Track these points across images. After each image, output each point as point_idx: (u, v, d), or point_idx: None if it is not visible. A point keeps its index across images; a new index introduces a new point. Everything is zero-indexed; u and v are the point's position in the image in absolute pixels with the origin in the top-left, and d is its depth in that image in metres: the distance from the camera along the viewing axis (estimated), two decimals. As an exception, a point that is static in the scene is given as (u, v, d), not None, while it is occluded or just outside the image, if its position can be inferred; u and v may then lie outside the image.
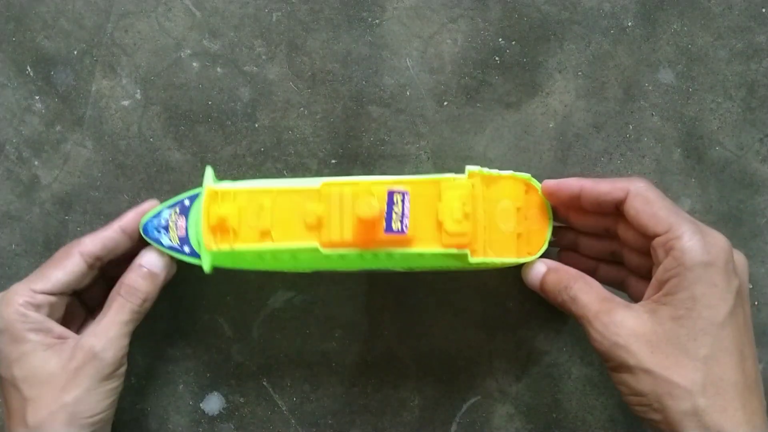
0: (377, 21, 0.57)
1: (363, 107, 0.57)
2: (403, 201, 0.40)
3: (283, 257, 0.44)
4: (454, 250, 0.41)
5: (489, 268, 0.48)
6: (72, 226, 0.58)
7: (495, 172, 0.44)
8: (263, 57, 0.57)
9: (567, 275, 0.42)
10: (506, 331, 0.58)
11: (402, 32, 0.57)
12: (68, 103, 0.58)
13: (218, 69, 0.57)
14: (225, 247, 0.43)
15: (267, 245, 0.43)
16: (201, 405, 0.58)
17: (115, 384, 0.44)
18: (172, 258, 0.47)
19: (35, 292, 0.43)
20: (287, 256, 0.44)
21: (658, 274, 0.39)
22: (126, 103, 0.58)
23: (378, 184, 0.42)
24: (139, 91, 0.57)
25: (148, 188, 0.57)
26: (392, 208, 0.40)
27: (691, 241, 0.37)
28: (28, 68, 0.58)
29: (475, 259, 0.42)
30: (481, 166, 0.45)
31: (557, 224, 0.49)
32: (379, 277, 0.58)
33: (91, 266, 0.45)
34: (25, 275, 0.47)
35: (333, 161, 0.57)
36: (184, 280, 0.57)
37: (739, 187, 0.57)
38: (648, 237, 0.40)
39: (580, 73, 0.57)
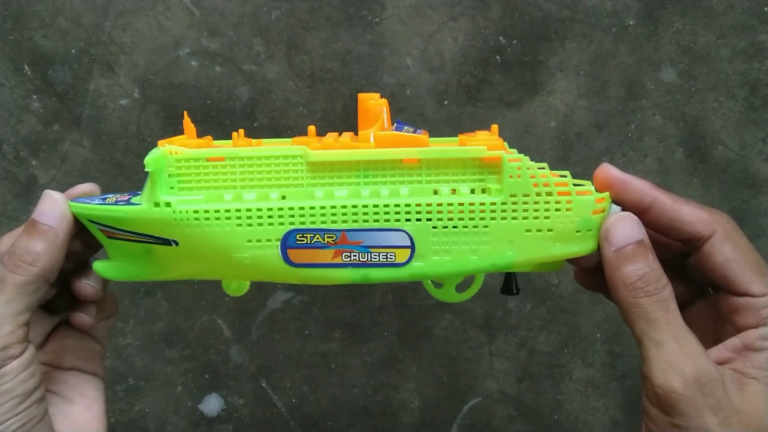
0: (377, 19, 0.57)
1: (363, 106, 0.57)
2: (415, 129, 0.34)
3: (249, 196, 0.34)
4: (482, 149, 0.32)
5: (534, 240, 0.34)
6: (70, 226, 0.57)
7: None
8: (262, 56, 0.57)
9: (659, 275, 0.33)
10: (507, 332, 0.57)
11: (402, 31, 0.57)
12: (66, 102, 0.57)
13: (217, 68, 0.57)
14: (180, 148, 0.34)
15: (238, 150, 0.34)
16: (200, 406, 0.58)
17: (7, 384, 0.32)
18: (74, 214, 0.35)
19: None
20: (256, 195, 0.34)
21: (748, 340, 0.32)
22: (124, 102, 0.57)
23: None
24: (137, 90, 0.57)
25: (146, 188, 0.57)
26: (402, 129, 0.33)
27: None
28: (26, 67, 0.57)
29: (513, 164, 0.32)
30: None
31: None
32: (379, 277, 0.57)
33: None
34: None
35: (333, 161, 0.57)
36: (182, 280, 0.57)
37: (741, 186, 0.57)
38: (725, 288, 0.34)
39: (581, 72, 0.57)
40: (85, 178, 0.57)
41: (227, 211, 0.33)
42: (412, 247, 0.34)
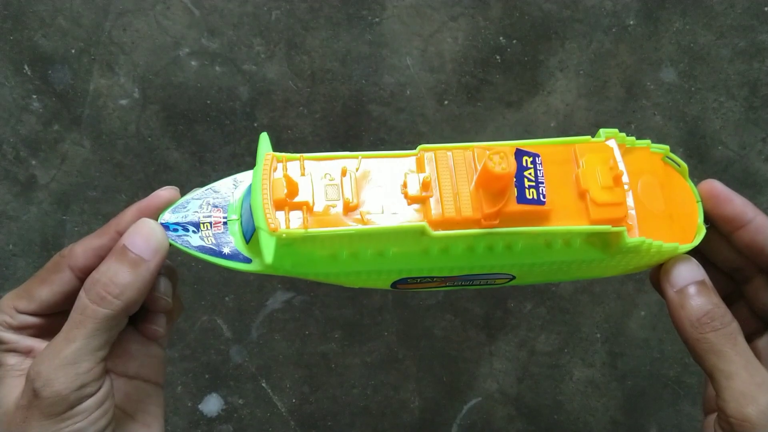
0: (377, 19, 0.56)
1: (363, 106, 0.57)
2: (534, 165, 0.31)
3: (365, 254, 0.33)
4: (608, 227, 0.32)
5: (623, 271, 0.37)
6: (70, 226, 0.57)
7: (631, 138, 0.35)
8: (262, 56, 0.57)
9: (723, 311, 0.33)
10: (507, 332, 0.57)
11: (402, 31, 0.57)
12: (66, 102, 0.57)
13: (217, 68, 0.57)
14: (296, 229, 0.31)
15: (354, 228, 0.31)
16: (199, 406, 0.57)
17: (80, 423, 0.31)
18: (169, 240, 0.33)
19: (18, 311, 0.34)
20: (371, 252, 0.33)
21: None
22: (124, 102, 0.57)
23: (493, 147, 0.32)
24: (137, 90, 0.57)
25: (146, 188, 0.57)
26: (523, 174, 0.31)
27: None
28: (26, 67, 0.57)
29: (634, 240, 0.32)
30: None
31: None
32: (379, 277, 0.57)
33: (84, 281, 0.35)
34: (22, 276, 0.46)
35: (332, 161, 0.57)
36: (181, 279, 0.57)
37: (741, 186, 0.57)
38: None
39: (581, 72, 0.56)
40: (85, 178, 0.57)
41: (344, 271, 0.33)
42: (513, 277, 0.35)
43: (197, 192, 0.34)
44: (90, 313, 0.31)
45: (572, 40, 0.56)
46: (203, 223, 0.33)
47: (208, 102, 0.57)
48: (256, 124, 0.57)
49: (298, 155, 0.32)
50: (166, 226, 0.33)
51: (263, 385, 0.57)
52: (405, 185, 0.32)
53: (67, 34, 0.57)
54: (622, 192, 0.32)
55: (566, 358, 0.57)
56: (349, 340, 0.57)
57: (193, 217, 0.33)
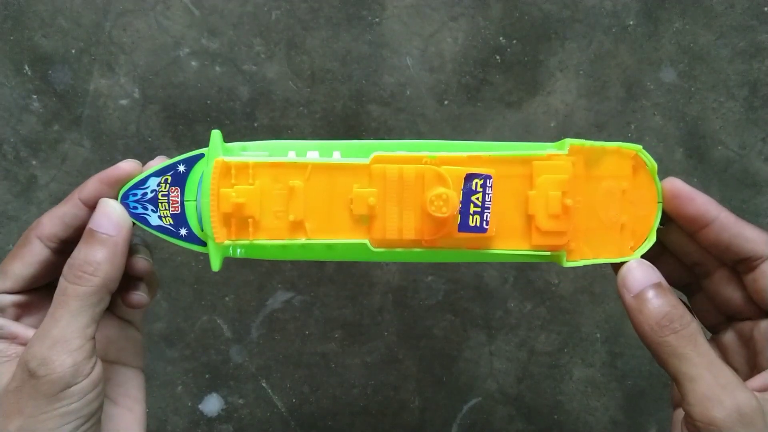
0: (377, 19, 0.56)
1: (363, 106, 0.57)
2: (484, 188, 0.32)
3: (315, 248, 0.34)
4: (546, 252, 0.33)
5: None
6: (70, 226, 0.57)
7: (600, 144, 0.34)
8: (262, 56, 0.57)
9: (682, 312, 0.33)
10: (507, 332, 0.57)
11: (402, 31, 0.57)
12: (66, 102, 0.57)
13: (217, 68, 0.57)
14: (242, 241, 0.33)
15: (299, 240, 0.33)
16: (200, 406, 0.58)
17: (75, 404, 0.31)
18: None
19: None
20: (320, 248, 0.34)
21: None
22: (124, 102, 0.57)
23: (450, 160, 0.32)
24: (137, 90, 0.57)
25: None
26: (470, 198, 0.32)
27: None
28: (26, 67, 0.57)
29: (571, 263, 0.34)
30: None
31: None
32: (378, 276, 0.57)
33: (56, 250, 0.35)
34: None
35: (333, 161, 0.57)
36: (181, 279, 0.57)
37: (741, 186, 0.57)
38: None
39: (581, 72, 0.57)
40: (85, 178, 0.57)
41: (295, 257, 0.35)
42: None
43: (158, 165, 0.34)
44: (71, 292, 0.31)
45: (572, 40, 0.56)
46: (161, 203, 0.34)
47: (208, 102, 0.57)
48: (256, 125, 0.57)
49: (249, 160, 0.33)
50: (126, 204, 0.34)
51: (263, 385, 0.57)
52: (352, 202, 0.32)
53: (67, 34, 0.57)
54: (568, 221, 0.33)
55: (566, 358, 0.57)
56: (349, 340, 0.57)
57: (151, 196, 0.34)
